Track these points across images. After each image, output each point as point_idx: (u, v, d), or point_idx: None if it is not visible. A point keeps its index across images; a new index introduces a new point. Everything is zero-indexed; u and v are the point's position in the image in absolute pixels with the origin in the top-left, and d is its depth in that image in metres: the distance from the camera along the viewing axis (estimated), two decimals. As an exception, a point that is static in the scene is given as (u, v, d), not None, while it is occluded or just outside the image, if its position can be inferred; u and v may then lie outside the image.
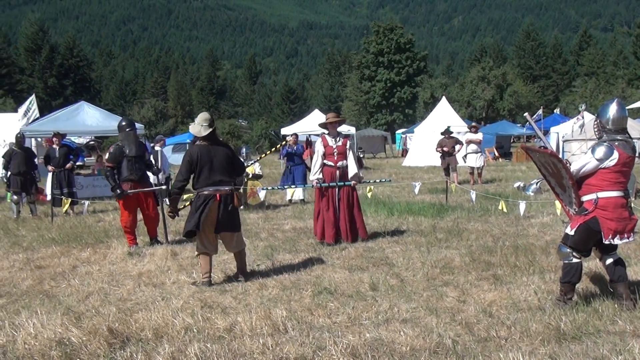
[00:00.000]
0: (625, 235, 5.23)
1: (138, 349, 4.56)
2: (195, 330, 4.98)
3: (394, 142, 50.02)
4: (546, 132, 34.52)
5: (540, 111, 37.45)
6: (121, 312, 5.55)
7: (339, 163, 8.97)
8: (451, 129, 18.07)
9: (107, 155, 9.26)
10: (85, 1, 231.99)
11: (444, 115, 28.04)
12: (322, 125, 9.34)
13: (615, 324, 4.88)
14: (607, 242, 5.21)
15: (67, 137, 24.10)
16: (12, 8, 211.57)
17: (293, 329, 4.97)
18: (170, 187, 11.09)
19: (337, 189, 8.92)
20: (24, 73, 70.28)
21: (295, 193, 13.71)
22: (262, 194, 12.68)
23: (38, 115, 23.30)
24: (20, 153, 13.13)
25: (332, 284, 6.38)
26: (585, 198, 5.29)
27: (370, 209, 11.87)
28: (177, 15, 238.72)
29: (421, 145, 28.01)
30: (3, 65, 63.63)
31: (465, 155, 18.00)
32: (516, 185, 15.38)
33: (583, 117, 19.03)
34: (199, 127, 6.80)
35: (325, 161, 9.01)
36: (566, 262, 5.36)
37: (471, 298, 5.77)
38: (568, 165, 5.28)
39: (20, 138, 13.50)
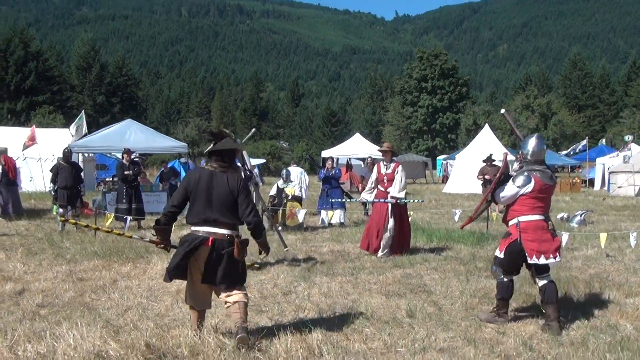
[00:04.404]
0: (551, 255, 5.67)
1: (174, 366, 4.59)
2: (230, 349, 4.98)
3: (434, 168, 49.65)
4: (592, 163, 33.84)
5: (585, 141, 36.78)
6: (158, 327, 5.61)
7: (389, 188, 9.88)
8: (493, 157, 17.87)
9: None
10: (136, 23, 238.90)
11: (486, 143, 27.80)
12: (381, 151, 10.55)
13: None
14: (532, 261, 5.70)
15: (112, 154, 24.80)
16: (66, 28, 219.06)
17: (328, 353, 4.93)
18: None
19: (389, 208, 9.76)
20: (75, 90, 72.24)
21: (335, 216, 13.70)
22: (300, 216, 12.72)
23: (86, 131, 24.06)
24: (67, 167, 13.50)
25: (368, 309, 6.33)
26: (510, 223, 5.89)
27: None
28: (223, 37, 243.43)
29: (462, 172, 27.79)
30: (55, 83, 65.50)
31: None
32: (559, 216, 15.23)
33: (630, 149, 18.60)
34: None
35: (379, 185, 10.04)
36: (498, 280, 6.00)
37: (511, 330, 5.65)
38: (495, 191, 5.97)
39: (68, 153, 13.90)
